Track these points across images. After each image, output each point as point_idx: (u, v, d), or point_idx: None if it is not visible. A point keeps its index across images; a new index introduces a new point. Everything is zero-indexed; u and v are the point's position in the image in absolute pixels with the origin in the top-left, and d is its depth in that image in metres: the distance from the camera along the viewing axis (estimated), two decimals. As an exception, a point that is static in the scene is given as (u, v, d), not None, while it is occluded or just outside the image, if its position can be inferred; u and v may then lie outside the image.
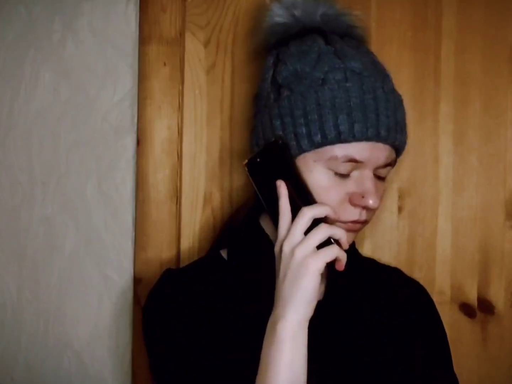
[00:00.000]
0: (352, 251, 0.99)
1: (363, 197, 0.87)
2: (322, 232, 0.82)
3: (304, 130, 0.87)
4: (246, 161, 0.88)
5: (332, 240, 0.83)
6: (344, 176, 0.87)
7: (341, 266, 0.83)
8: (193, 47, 1.17)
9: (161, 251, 1.15)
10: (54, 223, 1.19)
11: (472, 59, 1.15)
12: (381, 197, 0.90)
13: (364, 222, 0.90)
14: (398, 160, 0.94)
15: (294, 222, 0.84)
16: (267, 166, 0.88)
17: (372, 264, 1.08)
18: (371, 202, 0.86)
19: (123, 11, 1.17)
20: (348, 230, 0.88)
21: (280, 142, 0.87)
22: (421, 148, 1.16)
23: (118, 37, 1.18)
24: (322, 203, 0.85)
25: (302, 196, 0.85)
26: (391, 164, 0.90)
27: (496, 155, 1.16)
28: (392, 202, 1.16)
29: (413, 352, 0.94)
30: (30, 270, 1.19)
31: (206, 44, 1.17)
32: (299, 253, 0.82)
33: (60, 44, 1.19)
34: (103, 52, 1.18)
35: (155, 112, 1.15)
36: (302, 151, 0.88)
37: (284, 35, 0.96)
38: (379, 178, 0.90)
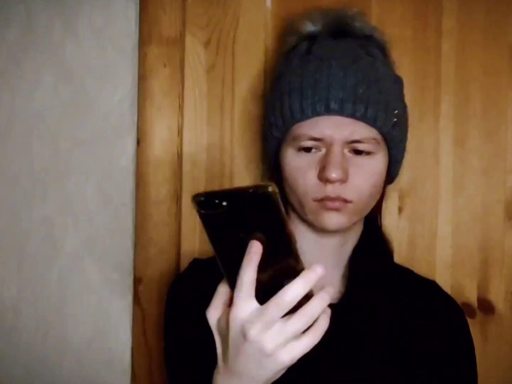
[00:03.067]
0: (383, 258, 1.01)
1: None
2: (308, 314, 0.65)
3: (273, 119, 0.94)
4: (198, 195, 0.66)
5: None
6: (311, 153, 0.89)
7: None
8: (193, 47, 1.17)
9: (161, 251, 1.15)
10: (54, 223, 1.19)
11: (472, 59, 1.15)
12: (367, 174, 0.90)
13: (344, 201, 0.88)
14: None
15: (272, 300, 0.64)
16: (238, 215, 0.64)
17: (406, 274, 1.05)
18: (331, 174, 0.86)
19: (123, 11, 1.17)
20: (328, 209, 0.89)
21: (269, 189, 0.62)
22: (421, 148, 1.16)
23: (118, 38, 1.18)
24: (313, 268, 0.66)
25: (282, 258, 0.65)
26: (362, 141, 0.88)
27: (496, 155, 1.16)
28: (392, 202, 1.16)
29: (435, 372, 0.92)
30: (30, 270, 1.19)
31: (206, 45, 1.17)
32: (272, 339, 0.64)
33: (60, 44, 1.19)
34: (103, 52, 1.18)
35: (155, 113, 1.15)
36: (276, 139, 0.94)
37: (285, 48, 1.00)
38: (359, 153, 0.89)
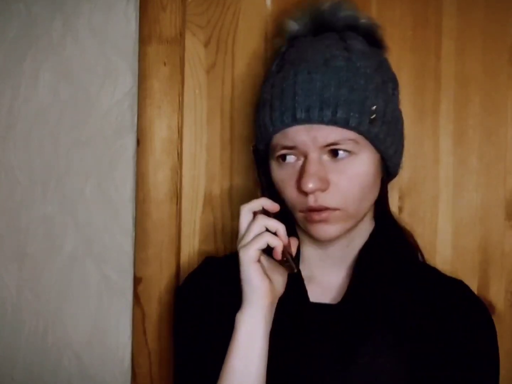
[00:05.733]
0: (391, 261, 0.96)
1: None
2: (256, 224, 0.85)
3: (255, 131, 0.95)
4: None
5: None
6: (289, 165, 0.88)
7: (276, 255, 0.84)
8: (193, 46, 1.17)
9: (161, 250, 1.15)
10: (54, 223, 1.19)
11: (472, 59, 1.15)
12: (350, 178, 0.87)
13: (329, 209, 0.86)
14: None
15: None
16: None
17: (431, 273, 1.01)
18: (305, 184, 0.84)
19: (123, 11, 1.17)
20: (316, 222, 0.87)
21: (252, 149, 0.95)
22: (421, 148, 1.16)
23: (118, 37, 1.17)
24: (261, 198, 0.89)
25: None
26: (337, 143, 0.85)
27: (496, 155, 1.15)
28: (392, 202, 1.16)
29: (448, 374, 0.88)
30: (30, 270, 1.19)
31: (206, 44, 1.17)
32: (239, 246, 0.86)
33: (60, 44, 1.19)
34: (103, 52, 1.18)
35: (155, 112, 1.15)
36: (262, 151, 0.94)
37: (275, 50, 0.99)
38: (339, 158, 0.86)
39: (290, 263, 0.86)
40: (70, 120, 1.19)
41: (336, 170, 0.86)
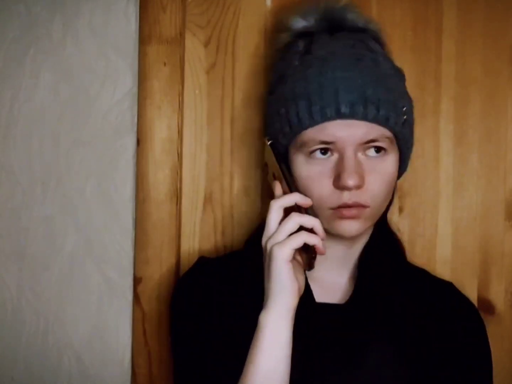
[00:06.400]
0: (392, 261, 0.99)
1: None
2: (291, 222, 0.84)
3: (279, 126, 0.90)
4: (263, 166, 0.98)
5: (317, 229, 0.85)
6: (323, 160, 0.87)
7: (320, 251, 0.84)
8: (193, 47, 1.17)
9: (161, 251, 1.15)
10: (54, 223, 1.19)
11: (472, 59, 1.15)
12: (382, 177, 0.88)
13: (361, 206, 0.87)
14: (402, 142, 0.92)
15: (267, 217, 0.86)
16: (269, 168, 0.94)
17: (420, 274, 1.04)
18: (347, 181, 0.84)
19: (123, 11, 1.17)
20: (345, 218, 0.87)
21: (269, 143, 0.92)
22: (421, 148, 1.15)
23: (118, 37, 1.17)
24: (293, 193, 0.87)
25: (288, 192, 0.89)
26: (376, 140, 0.87)
27: (496, 155, 1.16)
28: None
29: (447, 373, 0.91)
30: (30, 270, 1.19)
31: (206, 44, 1.17)
32: (269, 244, 0.84)
33: (60, 44, 1.19)
34: (103, 52, 1.18)
35: (155, 112, 1.15)
36: (283, 146, 0.91)
37: (280, 45, 0.98)
38: (373, 157, 0.87)
39: (314, 261, 0.85)
40: (70, 120, 1.19)
41: (369, 168, 0.87)
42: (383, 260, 0.97)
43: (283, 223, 0.84)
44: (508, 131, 1.15)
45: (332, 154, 0.87)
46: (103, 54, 1.18)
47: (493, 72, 1.15)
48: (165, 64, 1.15)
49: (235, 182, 1.17)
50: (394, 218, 1.16)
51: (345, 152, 0.85)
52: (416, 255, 1.16)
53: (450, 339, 0.93)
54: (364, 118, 0.85)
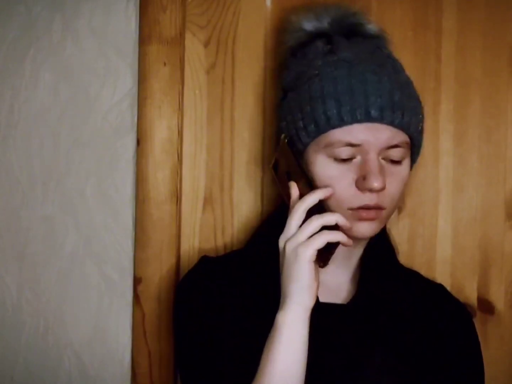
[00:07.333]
0: (391, 261, 1.01)
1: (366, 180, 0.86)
2: (313, 223, 0.84)
3: (301, 123, 0.90)
4: (272, 164, 0.94)
5: (338, 225, 0.84)
6: (346, 162, 0.88)
7: (349, 242, 0.85)
8: (193, 47, 1.17)
9: (161, 251, 1.15)
10: (54, 223, 1.19)
11: (472, 59, 1.15)
12: (399, 181, 0.89)
13: (380, 208, 0.88)
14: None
15: (288, 218, 0.86)
16: (283, 166, 0.93)
17: (413, 276, 1.06)
18: (373, 183, 0.85)
19: (123, 11, 1.17)
20: (363, 219, 0.88)
21: (286, 140, 0.92)
22: (421, 148, 1.15)
23: (118, 37, 1.17)
24: (314, 191, 0.87)
25: (307, 192, 0.88)
26: (399, 145, 0.88)
27: (496, 155, 1.16)
28: (392, 202, 1.16)
29: (442, 374, 0.92)
30: (30, 270, 1.19)
31: (206, 44, 1.17)
32: (291, 245, 0.84)
33: (60, 44, 1.19)
34: (103, 52, 1.18)
35: (155, 112, 1.15)
36: (304, 144, 0.91)
37: (291, 44, 0.99)
38: (392, 162, 0.89)
39: (330, 257, 0.86)
40: (70, 120, 1.19)
41: (389, 172, 0.88)
42: (384, 260, 0.99)
43: (304, 226, 0.84)
44: (508, 131, 1.15)
45: (355, 157, 0.88)
46: (103, 54, 1.18)
47: (492, 72, 1.15)
48: (165, 64, 1.15)
49: (235, 182, 1.17)
50: (394, 218, 1.16)
51: (369, 155, 0.87)
52: (416, 255, 1.16)
53: (441, 340, 0.95)
54: (391, 123, 0.87)
